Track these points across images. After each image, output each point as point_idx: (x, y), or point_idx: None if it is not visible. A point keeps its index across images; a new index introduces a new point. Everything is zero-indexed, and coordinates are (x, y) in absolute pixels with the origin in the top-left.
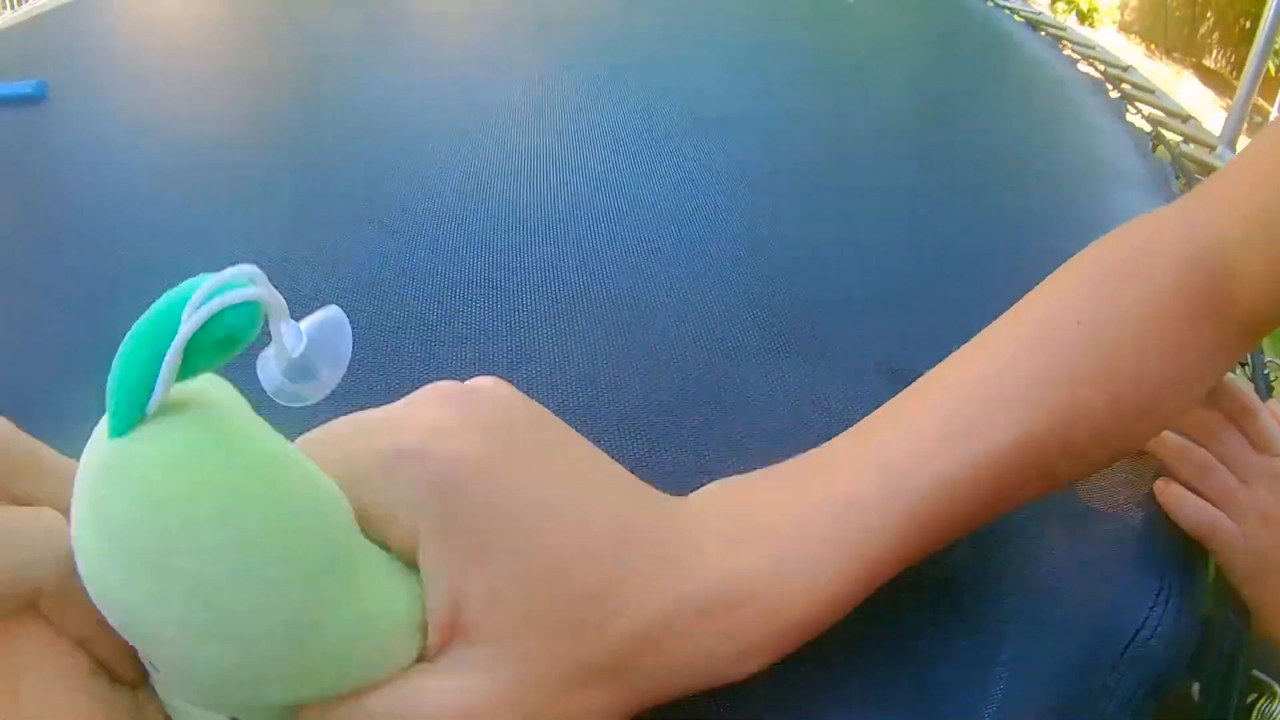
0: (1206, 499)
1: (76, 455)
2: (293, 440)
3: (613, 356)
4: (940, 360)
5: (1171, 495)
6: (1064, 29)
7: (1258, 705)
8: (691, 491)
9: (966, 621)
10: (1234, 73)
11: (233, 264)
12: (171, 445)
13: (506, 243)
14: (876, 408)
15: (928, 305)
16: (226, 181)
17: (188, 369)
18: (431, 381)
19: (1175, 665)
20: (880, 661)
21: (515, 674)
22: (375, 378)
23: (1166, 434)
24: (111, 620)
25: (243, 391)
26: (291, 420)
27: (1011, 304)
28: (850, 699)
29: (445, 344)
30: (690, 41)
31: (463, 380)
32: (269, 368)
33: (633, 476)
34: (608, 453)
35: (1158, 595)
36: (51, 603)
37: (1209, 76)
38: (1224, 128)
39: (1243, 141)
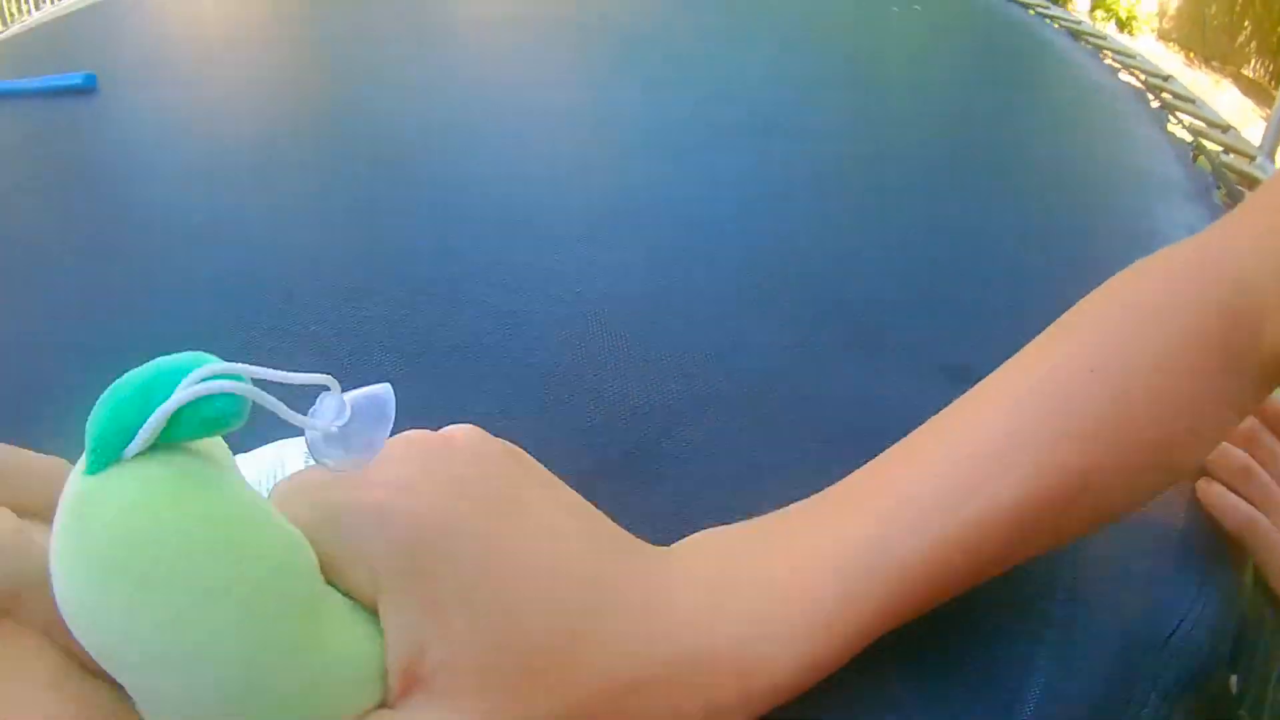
0: (1246, 500)
1: None
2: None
3: (675, 356)
4: (991, 365)
5: (1214, 494)
6: (1104, 38)
7: None
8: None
9: (1014, 607)
10: (1272, 82)
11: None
12: (140, 489)
13: (565, 242)
14: (935, 408)
15: (973, 308)
16: (277, 177)
17: (166, 435)
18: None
19: (1216, 655)
20: (926, 647)
21: None
22: (445, 365)
23: None
24: (83, 644)
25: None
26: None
27: (1055, 314)
28: (894, 690)
29: (500, 338)
30: (735, 47)
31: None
32: (311, 434)
33: (614, 526)
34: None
35: (1200, 588)
36: (34, 603)
37: (1248, 86)
38: (1264, 138)
39: None
